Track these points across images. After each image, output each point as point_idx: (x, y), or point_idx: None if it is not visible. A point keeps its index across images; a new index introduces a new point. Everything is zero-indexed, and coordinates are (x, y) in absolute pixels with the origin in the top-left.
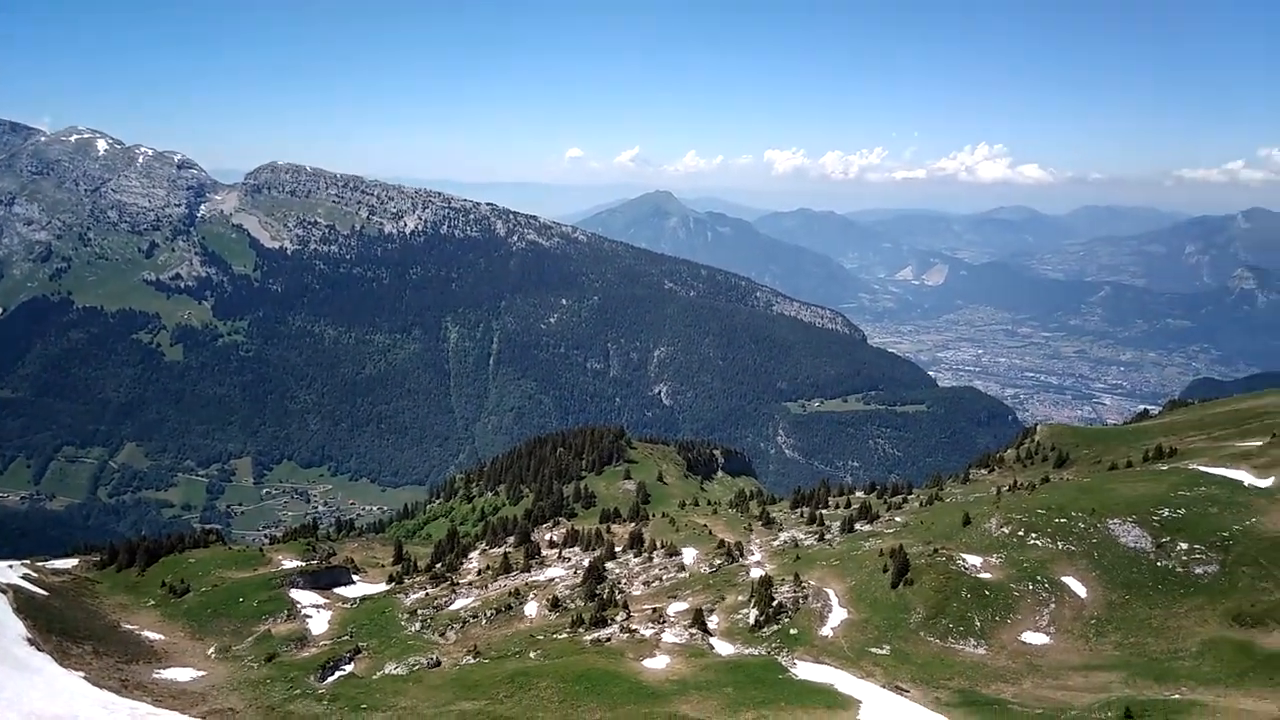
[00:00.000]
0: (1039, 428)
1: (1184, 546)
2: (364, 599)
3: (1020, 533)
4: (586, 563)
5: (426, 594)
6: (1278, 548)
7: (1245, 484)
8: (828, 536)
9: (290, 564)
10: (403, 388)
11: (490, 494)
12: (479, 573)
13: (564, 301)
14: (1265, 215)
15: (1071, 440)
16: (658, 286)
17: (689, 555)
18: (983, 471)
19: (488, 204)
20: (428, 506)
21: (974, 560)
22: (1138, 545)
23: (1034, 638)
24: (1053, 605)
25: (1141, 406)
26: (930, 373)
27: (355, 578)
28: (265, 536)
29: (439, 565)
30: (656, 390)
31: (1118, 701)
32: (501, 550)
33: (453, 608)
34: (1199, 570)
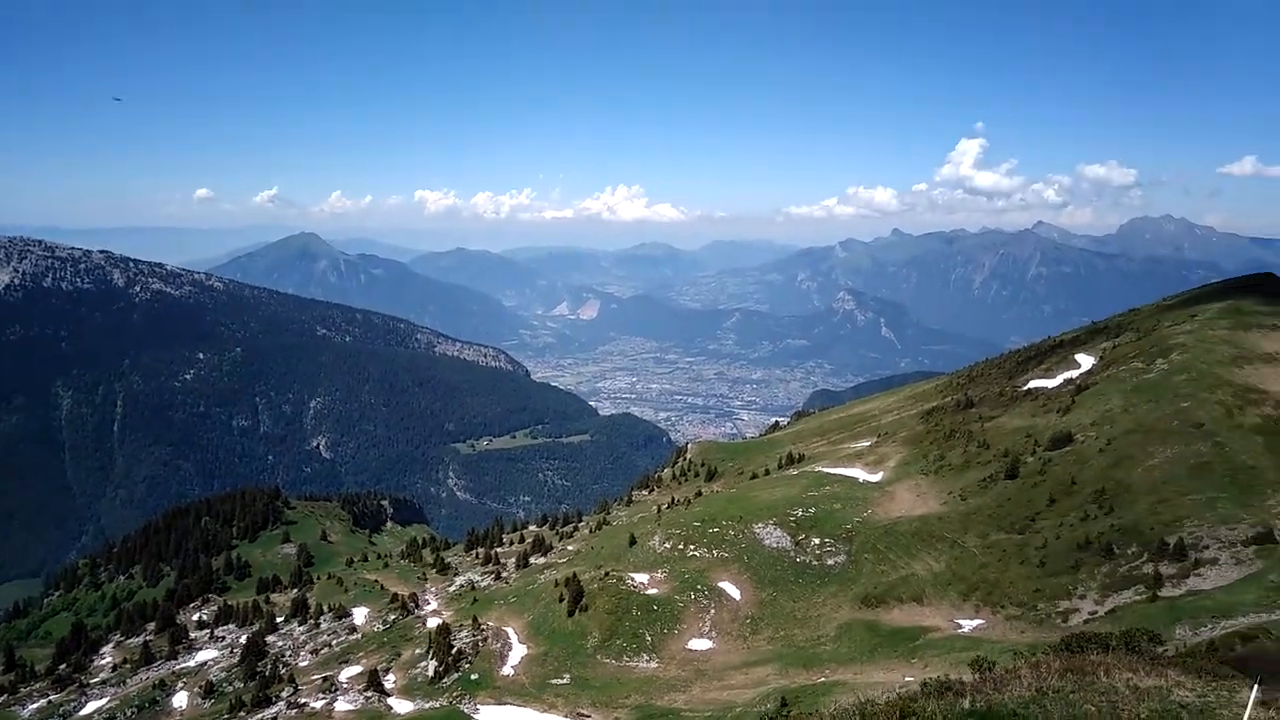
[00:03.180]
0: (689, 446)
1: (817, 541)
2: None
3: (681, 546)
4: (244, 639)
5: (49, 701)
6: (890, 534)
7: (860, 480)
8: (504, 575)
9: None
10: (4, 466)
11: (123, 577)
12: (114, 668)
13: (201, 355)
14: (857, 245)
15: (718, 455)
16: (309, 333)
17: (360, 615)
18: (644, 492)
19: (101, 252)
20: (45, 601)
21: (642, 578)
22: (779, 545)
23: (699, 644)
24: (713, 611)
25: (773, 419)
26: (591, 403)
27: None
28: None
29: (63, 666)
30: (315, 443)
31: (774, 693)
32: (141, 639)
33: (84, 712)
34: (830, 561)
